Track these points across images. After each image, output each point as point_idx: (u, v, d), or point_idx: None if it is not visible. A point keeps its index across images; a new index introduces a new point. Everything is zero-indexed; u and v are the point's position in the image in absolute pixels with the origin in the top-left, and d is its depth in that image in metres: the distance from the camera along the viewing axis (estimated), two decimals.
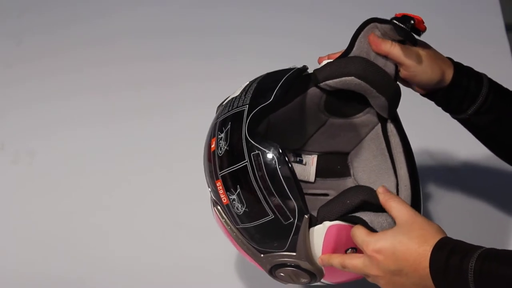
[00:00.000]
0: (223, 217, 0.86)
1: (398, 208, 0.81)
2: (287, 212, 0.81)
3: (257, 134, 0.82)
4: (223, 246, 1.15)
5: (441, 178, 1.23)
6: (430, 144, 1.27)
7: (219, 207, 0.86)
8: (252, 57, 1.45)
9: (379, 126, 0.97)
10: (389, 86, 0.89)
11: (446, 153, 1.26)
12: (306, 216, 0.81)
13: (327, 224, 0.82)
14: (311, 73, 0.92)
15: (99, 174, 1.28)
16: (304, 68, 0.91)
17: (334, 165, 1.05)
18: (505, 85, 0.94)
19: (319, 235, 0.82)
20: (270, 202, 0.80)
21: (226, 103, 0.89)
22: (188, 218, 1.19)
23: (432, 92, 0.92)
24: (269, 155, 0.80)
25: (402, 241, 0.78)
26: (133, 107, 1.40)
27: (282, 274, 0.88)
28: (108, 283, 1.13)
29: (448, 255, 0.75)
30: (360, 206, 0.83)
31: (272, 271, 0.88)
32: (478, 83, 0.90)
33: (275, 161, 0.80)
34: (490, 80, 0.92)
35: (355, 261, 0.81)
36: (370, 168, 0.99)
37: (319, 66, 0.92)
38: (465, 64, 0.93)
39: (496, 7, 1.52)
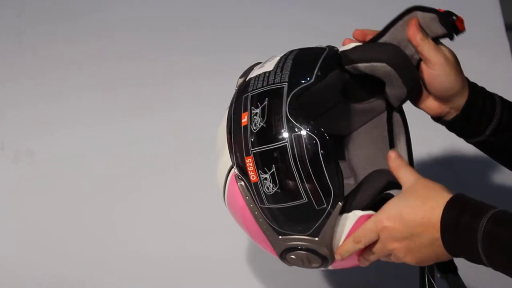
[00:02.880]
0: (246, 194, 0.83)
1: (405, 175, 0.81)
2: (322, 197, 0.79)
3: (298, 114, 0.79)
4: (223, 246, 1.15)
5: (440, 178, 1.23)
6: (429, 143, 1.28)
7: (243, 183, 0.83)
8: (254, 53, 1.43)
9: (384, 114, 0.96)
10: (413, 78, 0.88)
11: (446, 152, 1.27)
12: (340, 203, 0.80)
13: (358, 213, 0.81)
14: (339, 54, 0.88)
15: (99, 173, 1.28)
16: (336, 49, 0.88)
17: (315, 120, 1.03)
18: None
19: (348, 223, 0.82)
20: (306, 185, 0.78)
21: (257, 77, 0.85)
22: (188, 218, 1.19)
23: (444, 114, 0.90)
24: (312, 138, 0.78)
25: (407, 203, 0.78)
26: (133, 105, 1.39)
27: (293, 257, 0.86)
28: (108, 283, 1.13)
29: (459, 213, 0.75)
30: (385, 187, 0.83)
31: (284, 253, 0.86)
32: (492, 102, 0.89)
33: (318, 145, 0.78)
34: (501, 98, 0.91)
35: (376, 248, 0.82)
36: (366, 153, 0.99)
37: (345, 47, 0.89)
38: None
39: (496, 7, 1.52)
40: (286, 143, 0.78)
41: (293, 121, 0.79)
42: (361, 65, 0.88)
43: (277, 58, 0.86)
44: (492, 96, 0.91)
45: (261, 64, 0.88)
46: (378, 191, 0.83)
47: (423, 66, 0.88)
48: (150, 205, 1.23)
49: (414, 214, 0.77)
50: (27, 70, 1.49)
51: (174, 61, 1.48)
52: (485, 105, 0.89)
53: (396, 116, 0.95)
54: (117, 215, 1.22)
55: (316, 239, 0.82)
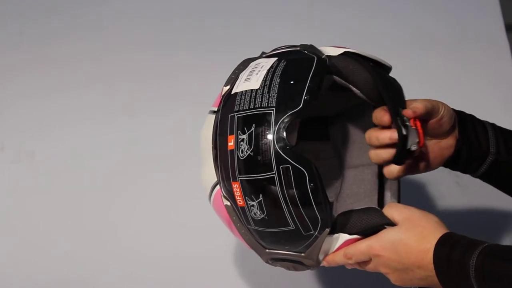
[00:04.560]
0: (233, 216, 0.83)
1: (395, 210, 0.82)
2: (310, 225, 0.79)
3: (286, 144, 0.77)
4: (223, 245, 1.15)
5: (441, 178, 1.23)
6: None
7: (229, 204, 0.83)
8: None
9: None
10: (383, 103, 0.85)
11: None
12: (327, 229, 0.80)
13: (344, 237, 0.82)
14: (324, 58, 0.85)
15: (99, 173, 1.28)
16: (324, 57, 0.84)
17: (314, 129, 1.02)
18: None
19: (334, 244, 0.83)
20: (294, 216, 0.78)
21: (243, 93, 0.82)
22: (188, 217, 1.19)
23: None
24: (301, 171, 0.76)
25: (402, 240, 0.79)
26: (134, 103, 1.39)
27: (279, 264, 0.87)
28: (109, 283, 1.13)
29: (450, 250, 0.76)
30: (379, 228, 0.82)
31: (271, 261, 0.87)
32: (485, 137, 0.87)
33: (306, 177, 0.76)
34: (495, 129, 0.89)
35: (368, 266, 0.83)
36: (352, 135, 0.98)
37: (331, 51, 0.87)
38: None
39: (496, 7, 1.52)
40: (274, 175, 0.77)
41: (281, 152, 0.77)
42: (339, 80, 0.87)
43: (264, 73, 0.83)
44: (484, 127, 0.89)
45: (246, 72, 0.85)
46: (371, 228, 0.82)
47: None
48: (151, 205, 1.23)
49: (409, 253, 0.78)
50: (27, 69, 1.49)
51: (176, 57, 1.47)
52: (475, 143, 0.87)
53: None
54: (117, 214, 1.21)
55: (303, 254, 0.83)
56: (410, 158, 0.84)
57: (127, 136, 1.33)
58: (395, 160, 0.83)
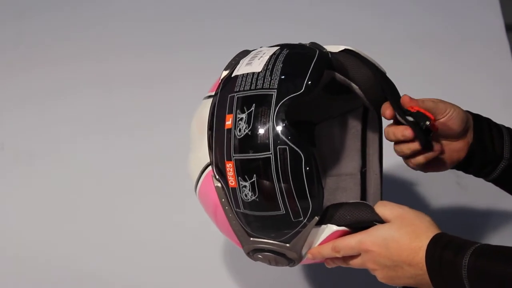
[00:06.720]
0: (222, 197, 0.82)
1: (387, 208, 0.81)
2: (300, 211, 0.79)
3: (285, 125, 0.77)
4: (223, 244, 1.15)
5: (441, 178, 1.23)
6: None
7: (220, 185, 0.82)
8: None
9: (361, 108, 0.96)
10: (380, 104, 0.86)
11: None
12: (317, 218, 0.79)
13: (333, 228, 0.81)
14: (329, 57, 0.86)
15: (99, 173, 1.28)
16: (325, 51, 0.85)
17: (300, 133, 1.02)
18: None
19: (321, 235, 0.82)
20: (286, 199, 0.78)
21: (244, 76, 0.82)
22: (189, 217, 1.19)
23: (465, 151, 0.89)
24: (297, 153, 0.76)
25: (394, 237, 0.79)
26: (133, 105, 1.39)
27: (261, 256, 0.86)
28: (110, 283, 1.13)
29: (442, 250, 0.76)
30: (369, 225, 0.82)
31: (252, 252, 0.85)
32: (499, 141, 0.88)
33: (302, 160, 0.76)
34: (510, 133, 0.89)
35: (354, 261, 0.82)
36: (336, 143, 0.98)
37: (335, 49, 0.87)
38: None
39: (496, 7, 1.52)
40: (270, 155, 0.77)
41: (279, 132, 0.77)
42: (339, 77, 0.87)
43: (266, 58, 0.83)
44: (499, 131, 0.89)
45: (248, 58, 0.85)
46: (360, 222, 0.82)
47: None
48: (151, 205, 1.23)
49: (400, 250, 0.78)
50: (26, 70, 1.49)
51: (176, 57, 1.47)
52: (490, 146, 0.88)
53: (372, 113, 0.94)
54: (117, 214, 1.22)
55: (287, 245, 0.82)
56: (431, 136, 0.83)
57: (127, 136, 1.34)
58: (421, 143, 0.82)
